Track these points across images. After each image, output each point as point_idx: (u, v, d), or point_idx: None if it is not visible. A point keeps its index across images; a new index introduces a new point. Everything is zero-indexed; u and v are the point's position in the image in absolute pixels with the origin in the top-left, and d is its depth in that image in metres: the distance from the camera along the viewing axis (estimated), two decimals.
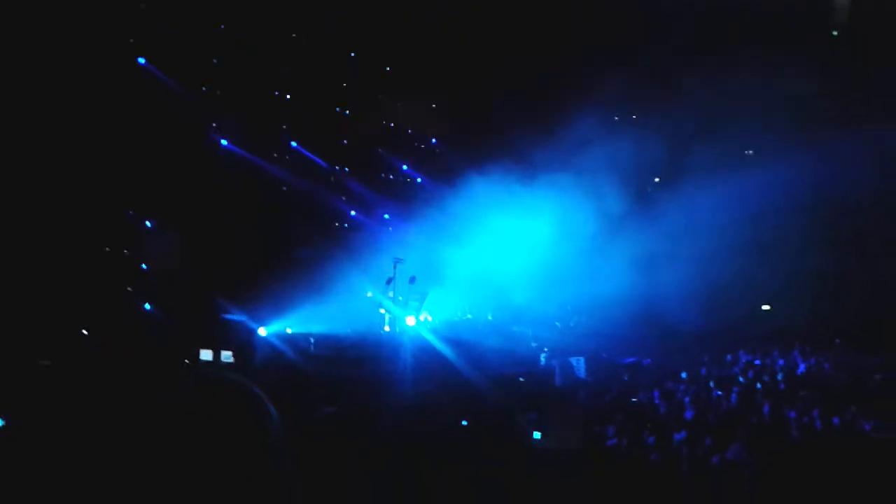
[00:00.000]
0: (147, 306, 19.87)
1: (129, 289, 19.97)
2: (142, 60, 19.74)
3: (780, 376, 15.98)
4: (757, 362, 17.45)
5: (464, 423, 14.08)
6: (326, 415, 14.32)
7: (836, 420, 12.83)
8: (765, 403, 13.80)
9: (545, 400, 15.47)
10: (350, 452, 12.51)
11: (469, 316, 23.31)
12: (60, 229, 18.27)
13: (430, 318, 22.79)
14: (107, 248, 19.86)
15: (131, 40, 19.60)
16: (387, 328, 21.20)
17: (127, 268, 20.20)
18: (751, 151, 24.10)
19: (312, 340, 19.50)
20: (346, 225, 24.83)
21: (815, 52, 21.62)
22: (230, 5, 20.67)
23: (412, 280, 20.65)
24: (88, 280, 18.89)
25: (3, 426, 12.01)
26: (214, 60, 21.27)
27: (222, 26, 20.91)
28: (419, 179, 25.85)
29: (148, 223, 20.34)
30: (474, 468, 12.01)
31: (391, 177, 25.88)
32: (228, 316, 19.07)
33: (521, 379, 17.58)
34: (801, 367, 16.83)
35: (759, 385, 15.45)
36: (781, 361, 17.44)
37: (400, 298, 20.87)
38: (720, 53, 21.94)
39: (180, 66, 20.17)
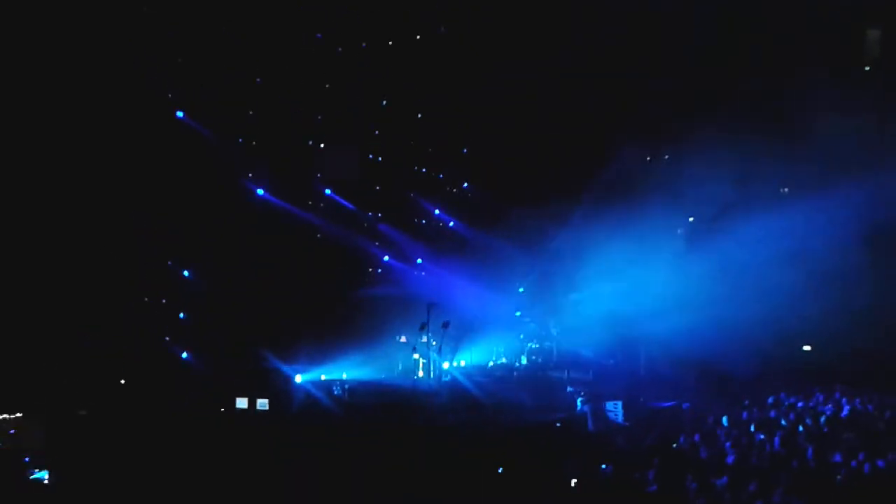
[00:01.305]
0: (184, 355, 20.10)
1: (166, 338, 20.22)
2: (180, 114, 20.24)
3: (822, 419, 15.60)
4: (800, 405, 17.08)
5: (500, 470, 13.95)
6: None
7: (881, 463, 12.48)
8: (808, 447, 13.48)
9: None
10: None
11: (503, 360, 23.18)
12: (101, 279, 18.63)
13: (463, 364, 22.71)
14: (145, 298, 20.17)
15: (170, 95, 20.13)
16: (420, 374, 21.14)
17: (165, 317, 20.48)
18: (786, 189, 23.85)
19: (347, 387, 19.54)
20: (379, 270, 24.96)
21: (852, 87, 21.50)
22: (265, 58, 21.16)
23: (446, 325, 20.61)
24: (127, 329, 19.20)
25: (46, 478, 12.15)
26: (250, 112, 21.73)
27: (258, 80, 21.40)
28: (451, 224, 25.97)
29: (186, 273, 20.64)
30: None
31: (423, 221, 26.01)
32: (265, 364, 19.20)
33: (558, 424, 17.38)
34: (845, 410, 16.42)
35: (801, 428, 15.09)
36: (827, 405, 17.00)
37: (434, 343, 20.85)
38: (753, 89, 21.96)
39: (217, 119, 20.64)
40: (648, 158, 24.97)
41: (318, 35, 22.35)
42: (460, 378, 21.33)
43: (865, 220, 20.44)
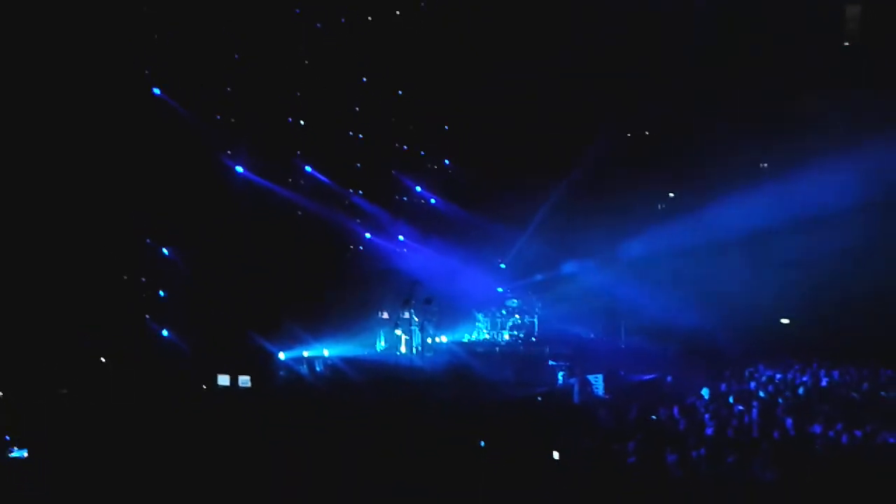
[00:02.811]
0: (165, 333, 20.00)
1: (146, 316, 20.11)
2: (157, 91, 20.00)
3: (801, 391, 15.81)
4: (778, 377, 17.30)
5: (482, 444, 14.01)
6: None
7: (858, 433, 12.66)
8: (787, 418, 13.65)
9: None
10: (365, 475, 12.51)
11: (486, 336, 23.26)
12: (79, 258, 18.46)
13: (445, 340, 22.77)
14: (125, 276, 20.02)
15: (147, 71, 19.87)
16: (402, 349, 21.18)
17: (144, 295, 20.35)
18: (765, 165, 24.02)
19: (329, 363, 19.57)
20: (361, 248, 24.92)
21: (831, 63, 21.63)
22: (243, 34, 20.93)
23: (428, 301, 20.64)
24: (106, 308, 19.06)
25: (25, 457, 12.09)
26: (228, 89, 21.50)
27: (236, 56, 21.16)
28: (433, 200, 25.95)
29: (165, 251, 20.49)
30: (493, 489, 11.96)
31: (405, 199, 25.97)
32: (247, 341, 19.15)
33: (539, 399, 17.49)
34: (823, 382, 16.66)
35: (780, 400, 15.29)
36: (805, 377, 17.26)
37: (416, 319, 20.87)
38: (734, 63, 21.99)
39: (194, 96, 20.41)
40: (630, 135, 25.03)
41: (297, 10, 22.13)
42: (443, 354, 21.40)
43: (845, 196, 20.61)
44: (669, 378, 18.08)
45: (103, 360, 18.89)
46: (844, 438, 12.66)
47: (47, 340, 17.90)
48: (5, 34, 16.98)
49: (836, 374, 17.16)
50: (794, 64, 21.40)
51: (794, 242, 21.00)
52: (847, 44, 23.34)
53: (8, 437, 13.70)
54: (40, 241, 17.97)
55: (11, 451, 13.15)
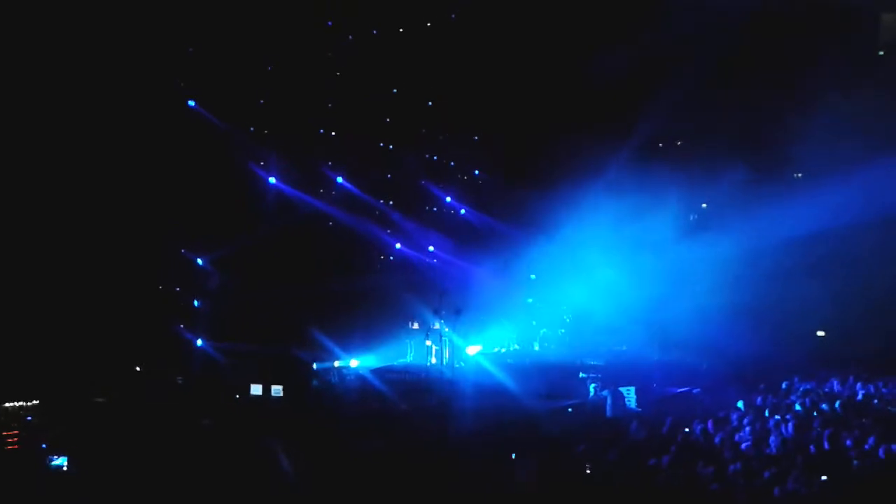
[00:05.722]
0: (199, 342, 20.23)
1: (181, 325, 20.36)
2: (192, 103, 20.29)
3: (837, 404, 15.58)
4: (814, 389, 17.06)
5: (513, 455, 13.97)
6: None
7: (895, 447, 12.45)
8: (824, 432, 13.46)
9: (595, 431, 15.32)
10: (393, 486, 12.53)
11: (516, 347, 23.21)
12: (115, 268, 18.75)
13: (473, 350, 22.72)
14: (160, 286, 20.29)
15: (182, 84, 20.17)
16: (433, 360, 21.20)
17: (179, 305, 20.62)
18: (800, 175, 23.77)
19: (359, 373, 19.65)
20: (391, 258, 25.02)
21: (864, 71, 21.39)
22: (274, 47, 21.18)
23: (458, 311, 20.63)
24: (141, 317, 19.33)
25: (65, 464, 12.24)
26: (261, 100, 21.77)
27: (268, 67, 21.41)
28: (463, 211, 25.99)
29: (199, 261, 20.75)
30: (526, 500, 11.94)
31: (435, 209, 26.05)
32: (279, 351, 19.30)
33: (570, 410, 17.40)
34: (860, 395, 16.41)
35: (816, 413, 15.08)
36: (839, 388, 17.03)
37: (446, 330, 20.88)
38: (765, 73, 21.81)
39: (228, 108, 20.68)
40: (661, 144, 24.90)
41: (329, 23, 22.35)
42: (473, 364, 21.38)
43: (881, 204, 20.34)
44: (696, 390, 17.91)
45: (138, 368, 19.14)
46: (881, 452, 12.46)
47: (83, 349, 18.18)
48: (42, 51, 17.34)
49: (871, 387, 16.90)
50: (826, 71, 21.17)
51: (831, 252, 20.73)
52: (882, 52, 23.09)
53: (45, 445, 13.91)
54: (77, 252, 18.29)
55: (52, 460, 13.34)
